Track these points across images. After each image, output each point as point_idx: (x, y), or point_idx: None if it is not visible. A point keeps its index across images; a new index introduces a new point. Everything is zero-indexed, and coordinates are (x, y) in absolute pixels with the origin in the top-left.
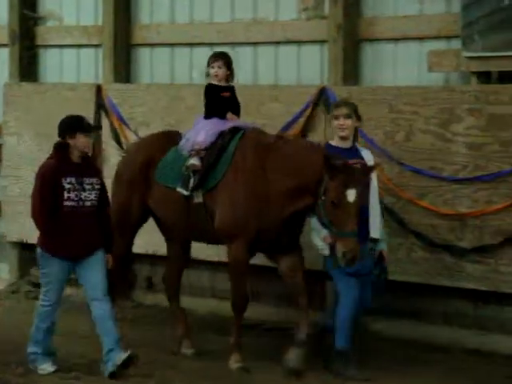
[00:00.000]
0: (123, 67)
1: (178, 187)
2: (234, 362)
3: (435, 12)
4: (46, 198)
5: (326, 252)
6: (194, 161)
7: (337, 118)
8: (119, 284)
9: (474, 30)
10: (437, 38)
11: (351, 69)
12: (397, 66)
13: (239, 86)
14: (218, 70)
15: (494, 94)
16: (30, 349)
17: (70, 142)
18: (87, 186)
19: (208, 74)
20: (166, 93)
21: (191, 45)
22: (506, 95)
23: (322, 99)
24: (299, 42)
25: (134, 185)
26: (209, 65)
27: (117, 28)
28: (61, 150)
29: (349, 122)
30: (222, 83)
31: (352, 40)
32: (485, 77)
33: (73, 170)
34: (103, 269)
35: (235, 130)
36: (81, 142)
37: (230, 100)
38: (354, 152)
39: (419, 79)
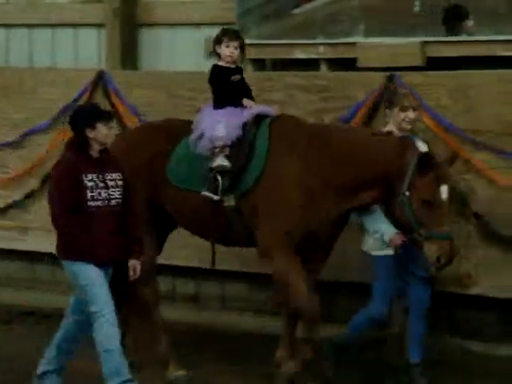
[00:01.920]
0: None
1: (203, 191)
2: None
3: None
4: (67, 196)
5: (387, 252)
6: (222, 161)
7: (405, 109)
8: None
9: (249, 18)
10: (213, 24)
11: (129, 53)
12: (175, 52)
13: (14, 69)
14: (234, 52)
15: (269, 80)
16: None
17: (90, 135)
18: (110, 183)
19: (216, 53)
20: None
21: None
22: (280, 82)
23: (100, 84)
24: (76, 25)
25: (137, 183)
26: (220, 42)
27: None
28: (78, 145)
29: (416, 113)
30: (231, 65)
31: (129, 25)
32: (260, 64)
33: (93, 166)
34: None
35: (258, 119)
36: (103, 133)
37: (240, 84)
38: None
39: (197, 65)
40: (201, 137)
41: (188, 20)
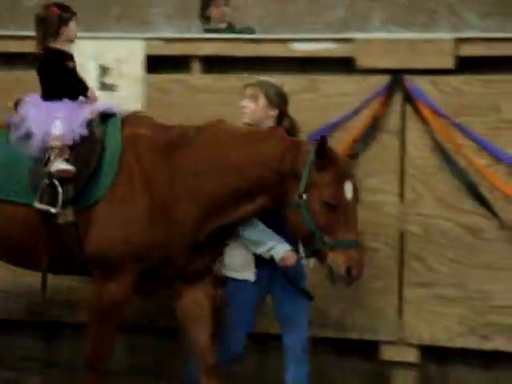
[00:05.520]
0: None
1: (34, 203)
2: None
3: None
4: None
5: (248, 276)
6: (63, 164)
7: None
8: None
9: None
10: None
11: None
12: None
13: None
14: (75, 31)
15: None
16: None
17: None
18: None
19: (56, 33)
20: None
21: None
22: None
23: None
24: None
25: None
26: (67, 20)
27: None
28: None
29: (252, 105)
30: (65, 48)
31: None
32: None
33: None
34: None
35: (105, 117)
36: None
37: (75, 71)
38: None
39: None
40: (28, 134)
41: None
